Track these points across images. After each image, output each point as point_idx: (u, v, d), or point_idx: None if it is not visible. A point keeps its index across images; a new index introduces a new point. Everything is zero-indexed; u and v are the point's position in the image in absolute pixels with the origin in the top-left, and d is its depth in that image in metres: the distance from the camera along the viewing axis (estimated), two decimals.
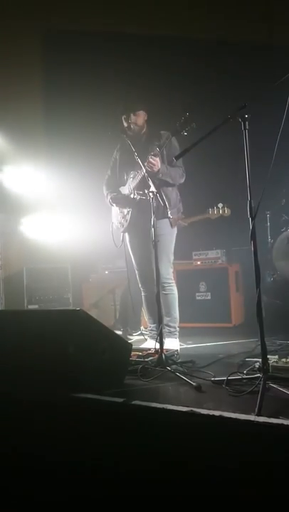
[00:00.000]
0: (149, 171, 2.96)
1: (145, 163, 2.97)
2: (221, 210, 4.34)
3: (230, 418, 1.57)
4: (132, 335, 4.04)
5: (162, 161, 3.08)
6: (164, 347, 2.64)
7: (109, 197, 3.40)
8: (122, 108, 3.29)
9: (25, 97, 5.10)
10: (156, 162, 2.99)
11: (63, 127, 5.05)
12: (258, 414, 1.63)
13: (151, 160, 2.97)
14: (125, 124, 3.26)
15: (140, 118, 3.29)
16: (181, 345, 3.29)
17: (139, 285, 3.43)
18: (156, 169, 3.00)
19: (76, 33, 5.18)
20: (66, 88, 5.08)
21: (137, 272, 3.42)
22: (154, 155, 2.99)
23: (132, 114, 3.25)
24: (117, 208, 3.41)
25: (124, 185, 3.34)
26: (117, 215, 3.42)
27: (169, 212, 3.15)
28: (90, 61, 5.11)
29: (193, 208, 4.50)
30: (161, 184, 3.07)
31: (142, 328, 3.85)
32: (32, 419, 1.97)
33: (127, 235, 3.42)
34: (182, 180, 3.24)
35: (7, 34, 4.98)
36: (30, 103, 5.21)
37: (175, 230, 3.29)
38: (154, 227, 2.76)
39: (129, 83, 4.77)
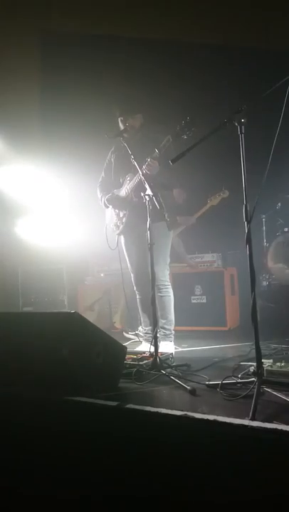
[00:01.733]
0: (148, 173, 2.96)
1: (143, 166, 2.97)
2: (219, 194, 4.46)
3: (225, 422, 1.56)
4: (127, 333, 4.05)
5: (160, 163, 3.09)
6: (159, 350, 2.64)
7: (104, 198, 3.39)
8: (119, 110, 3.29)
9: (22, 99, 5.10)
10: (156, 165, 2.98)
11: (60, 128, 5.05)
12: (252, 419, 1.63)
13: (150, 163, 2.96)
14: (122, 127, 3.26)
15: (137, 121, 3.29)
16: (176, 348, 3.29)
17: (134, 288, 3.42)
18: (154, 171, 2.99)
19: (75, 34, 5.20)
20: (63, 90, 5.08)
21: (132, 274, 3.42)
22: (154, 158, 2.99)
23: (129, 117, 3.24)
24: (112, 210, 3.40)
25: (119, 187, 3.34)
26: (112, 217, 3.41)
27: (166, 215, 3.14)
28: (88, 63, 5.13)
29: (196, 204, 4.56)
30: (157, 187, 3.07)
31: (139, 328, 3.85)
32: (25, 422, 1.96)
33: (122, 237, 3.41)
34: (177, 185, 3.24)
35: (5, 34, 4.99)
36: (27, 104, 5.21)
37: (171, 233, 3.29)
38: (149, 230, 2.76)
39: (126, 86, 4.78)
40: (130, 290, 3.54)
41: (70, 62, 5.11)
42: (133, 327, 3.95)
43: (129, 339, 3.93)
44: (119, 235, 3.39)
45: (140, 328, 3.63)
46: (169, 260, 3.30)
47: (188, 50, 5.15)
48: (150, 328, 3.28)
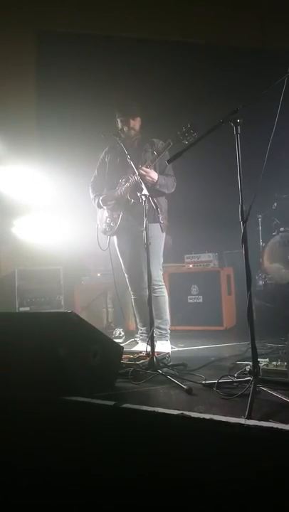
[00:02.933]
0: (142, 178, 2.96)
1: (139, 170, 2.98)
2: None
3: (221, 421, 1.57)
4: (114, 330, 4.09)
5: (156, 171, 3.10)
6: (156, 350, 2.64)
7: (98, 199, 3.39)
8: (119, 111, 3.29)
9: (19, 99, 5.10)
10: (148, 173, 2.99)
11: (57, 129, 5.05)
12: (248, 418, 1.64)
13: (142, 171, 2.96)
14: (120, 127, 3.25)
15: (137, 123, 3.29)
16: (172, 348, 3.29)
17: (129, 288, 3.42)
18: (151, 180, 2.99)
19: (72, 34, 5.20)
20: (60, 90, 5.08)
21: (126, 275, 3.41)
22: (151, 161, 2.99)
23: (130, 119, 3.25)
24: (105, 211, 3.39)
25: (112, 187, 3.33)
26: (105, 217, 3.40)
27: (160, 217, 3.15)
28: (85, 63, 5.13)
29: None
30: (155, 194, 3.07)
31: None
32: (21, 422, 1.96)
33: (115, 238, 3.41)
34: (173, 189, 3.25)
35: (1, 34, 4.98)
36: (24, 105, 5.20)
37: (164, 235, 3.29)
38: (146, 230, 2.76)
39: (125, 87, 4.78)
40: (123, 290, 3.57)
41: (67, 63, 5.11)
42: (120, 325, 4.01)
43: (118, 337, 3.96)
44: (112, 235, 3.38)
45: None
46: (162, 260, 3.31)
47: (188, 50, 5.17)
48: (146, 328, 3.29)
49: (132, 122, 3.24)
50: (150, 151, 3.13)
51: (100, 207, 3.41)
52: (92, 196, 3.46)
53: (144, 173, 2.96)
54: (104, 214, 3.41)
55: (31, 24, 5.15)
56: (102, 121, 3.52)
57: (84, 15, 5.14)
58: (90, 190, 3.49)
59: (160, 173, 3.16)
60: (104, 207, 3.37)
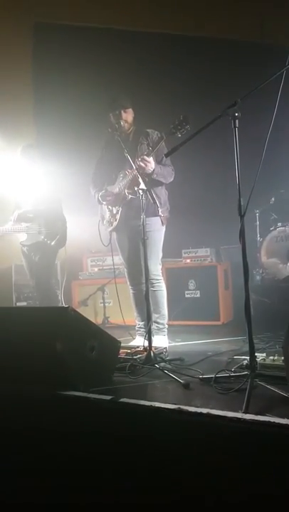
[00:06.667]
0: (142, 170, 2.95)
1: (137, 162, 2.96)
2: None
3: (218, 415, 1.57)
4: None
5: (155, 161, 3.09)
6: (153, 344, 2.65)
7: (97, 195, 3.37)
8: (110, 105, 3.27)
9: (15, 92, 5.06)
10: (150, 163, 2.98)
11: (55, 123, 5.02)
12: (246, 412, 1.65)
13: (144, 161, 2.95)
14: (114, 121, 3.24)
15: (130, 115, 3.27)
16: (169, 342, 3.30)
17: (128, 283, 3.42)
18: (149, 170, 2.98)
19: (70, 27, 5.16)
20: (56, 83, 5.05)
21: (125, 269, 3.42)
22: (147, 155, 2.98)
23: (122, 111, 3.23)
24: (105, 207, 3.38)
25: (112, 182, 3.32)
26: (106, 213, 3.39)
27: (160, 211, 3.14)
28: (83, 57, 5.09)
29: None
30: (153, 184, 3.06)
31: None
32: (19, 417, 1.96)
33: (115, 233, 3.40)
34: (172, 179, 3.24)
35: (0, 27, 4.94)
36: (20, 97, 5.17)
37: (164, 228, 3.29)
38: (143, 224, 2.75)
39: (123, 79, 4.75)
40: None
41: (65, 57, 5.07)
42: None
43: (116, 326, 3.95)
44: (112, 231, 3.38)
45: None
46: (161, 255, 3.30)
47: (186, 43, 5.14)
48: (144, 322, 3.29)
49: (123, 114, 3.22)
50: (145, 144, 3.12)
51: (99, 203, 3.40)
52: (92, 192, 3.45)
53: (143, 165, 2.95)
54: (104, 210, 3.40)
55: (30, 16, 5.11)
56: (101, 114, 3.49)
57: (82, 8, 5.10)
58: (91, 187, 3.48)
59: (157, 163, 3.15)
60: (104, 202, 3.36)
